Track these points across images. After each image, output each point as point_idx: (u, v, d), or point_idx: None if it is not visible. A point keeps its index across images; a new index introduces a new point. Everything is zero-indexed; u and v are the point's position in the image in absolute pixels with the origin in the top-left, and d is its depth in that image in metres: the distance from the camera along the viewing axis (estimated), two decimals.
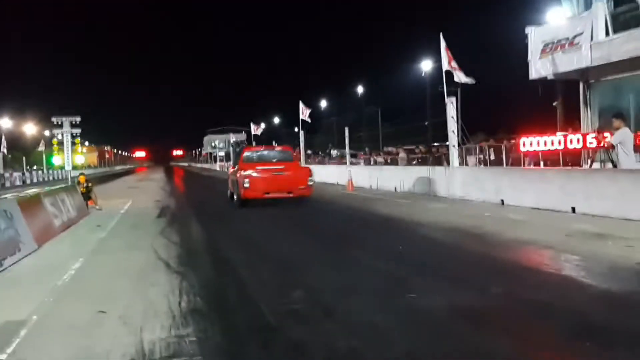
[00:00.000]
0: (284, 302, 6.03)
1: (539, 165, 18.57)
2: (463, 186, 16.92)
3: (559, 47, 16.85)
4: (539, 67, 17.71)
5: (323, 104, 70.72)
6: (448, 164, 22.20)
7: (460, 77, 17.60)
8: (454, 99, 17.49)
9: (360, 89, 65.67)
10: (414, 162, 28.28)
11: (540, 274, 7.06)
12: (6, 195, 24.75)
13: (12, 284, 7.45)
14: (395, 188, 21.47)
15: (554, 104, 26.47)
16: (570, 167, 15.64)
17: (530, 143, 17.08)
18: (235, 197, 17.79)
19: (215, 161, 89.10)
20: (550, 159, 18.28)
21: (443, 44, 18.10)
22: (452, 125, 17.46)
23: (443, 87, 18.46)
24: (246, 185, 16.57)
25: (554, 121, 27.59)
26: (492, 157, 21.98)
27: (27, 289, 7.08)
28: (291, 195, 16.95)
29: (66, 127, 17.90)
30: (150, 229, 12.79)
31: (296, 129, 64.46)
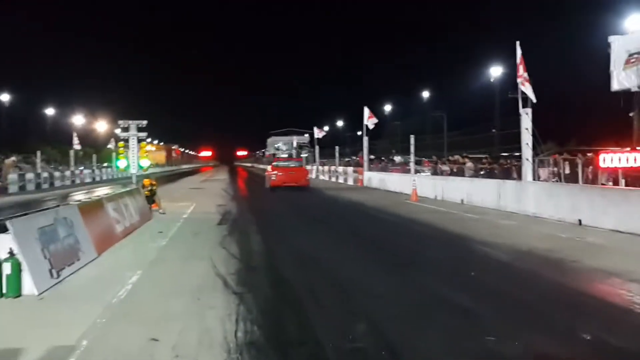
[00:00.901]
0: (345, 336, 5.60)
1: (617, 182, 17.48)
2: (536, 202, 16.05)
3: None
4: (622, 79, 16.62)
5: (387, 108, 70.04)
6: (518, 176, 21.25)
7: (527, 91, 16.70)
8: (529, 110, 16.62)
9: (425, 94, 64.59)
10: (481, 173, 27.30)
11: (631, 315, 6.35)
12: (74, 195, 25.22)
13: (67, 299, 7.26)
14: (462, 200, 20.68)
15: (631, 114, 25.08)
16: None
17: (610, 159, 16.07)
18: (267, 185, 31.25)
19: None
20: (631, 176, 17.17)
21: (519, 52, 17.24)
22: (527, 138, 16.60)
23: (516, 96, 17.59)
24: (273, 178, 30.64)
25: (629, 133, 26.16)
26: (567, 170, 20.91)
27: (80, 306, 6.85)
28: (297, 184, 29.96)
29: (132, 131, 17.99)
30: (211, 237, 12.58)
31: (359, 133, 64.18)
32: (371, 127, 35.70)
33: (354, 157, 52.54)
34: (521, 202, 16.70)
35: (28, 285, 7.35)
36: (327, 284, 8.07)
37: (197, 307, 6.79)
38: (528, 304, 6.86)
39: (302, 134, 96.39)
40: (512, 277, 8.58)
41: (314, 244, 11.92)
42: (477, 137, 36.56)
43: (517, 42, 17.29)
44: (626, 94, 18.40)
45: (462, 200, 20.70)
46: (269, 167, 34.49)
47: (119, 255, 10.56)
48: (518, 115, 17.29)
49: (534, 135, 16.69)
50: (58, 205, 10.55)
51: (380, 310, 6.62)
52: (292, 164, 33.40)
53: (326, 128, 77.36)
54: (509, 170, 24.97)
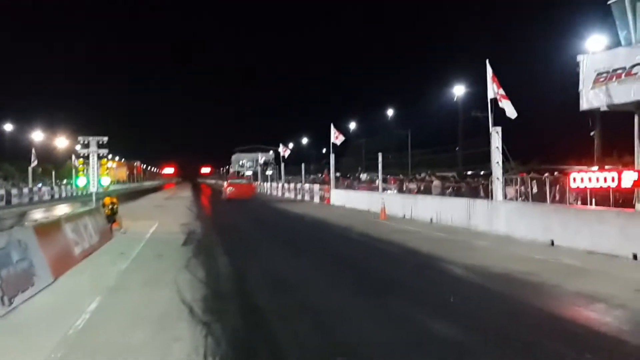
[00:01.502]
0: None
1: (586, 201, 17.47)
2: (507, 222, 15.85)
3: (615, 77, 15.73)
4: (590, 98, 16.56)
5: (352, 126, 69.96)
6: (485, 195, 21.15)
7: (506, 107, 16.61)
8: (499, 129, 16.48)
9: (390, 112, 64.70)
10: (448, 191, 27.24)
11: (625, 346, 6.02)
12: (31, 213, 24.24)
13: (19, 330, 6.65)
14: (431, 219, 20.42)
15: (592, 134, 25.35)
16: (633, 210, 14.50)
17: (581, 179, 16.02)
18: (224, 197, 41.38)
19: None
20: (599, 195, 17.17)
21: (490, 71, 17.14)
22: (497, 157, 16.44)
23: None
24: (228, 191, 40.61)
25: (590, 151, 26.42)
26: (535, 189, 20.91)
27: (34, 339, 6.27)
28: (246, 197, 39.59)
29: (93, 147, 17.26)
30: (175, 259, 12.02)
31: (324, 151, 64.12)
32: (338, 144, 35.56)
33: (320, 175, 52.23)
34: (492, 222, 16.49)
35: None
36: (301, 312, 7.60)
37: (161, 338, 6.27)
38: (515, 334, 6.49)
39: (267, 150, 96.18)
40: (493, 303, 8.21)
41: (284, 267, 11.47)
42: (441, 155, 36.62)
43: (487, 60, 17.24)
44: (593, 113, 18.49)
45: (431, 219, 20.45)
46: (225, 184, 46.09)
47: (77, 280, 9.92)
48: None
49: (504, 153, 16.56)
50: (12, 227, 9.86)
51: (360, 342, 6.20)
52: (243, 182, 47.97)
53: (290, 145, 76.85)
54: (477, 189, 24.97)
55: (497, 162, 16.52)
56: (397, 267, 11.70)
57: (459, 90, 47.63)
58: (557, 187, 19.82)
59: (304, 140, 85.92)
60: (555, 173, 22.21)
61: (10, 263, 8.05)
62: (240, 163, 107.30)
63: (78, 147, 19.57)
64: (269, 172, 72.54)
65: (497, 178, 16.67)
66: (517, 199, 20.31)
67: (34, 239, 9.38)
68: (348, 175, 49.53)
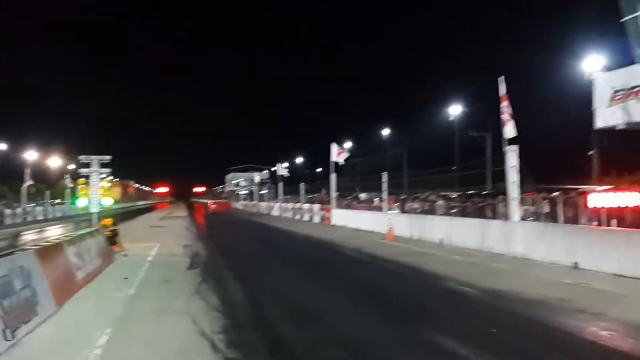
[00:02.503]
0: None
1: (600, 221, 16.93)
2: (525, 244, 15.27)
3: (633, 94, 15.28)
4: (607, 116, 16.03)
5: (346, 145, 69.22)
6: (493, 215, 20.56)
7: (509, 127, 16.29)
8: (515, 147, 16.00)
9: (385, 132, 64.09)
10: (453, 211, 26.60)
11: None
12: (25, 234, 23.50)
13: None
14: (441, 241, 19.80)
15: (589, 153, 24.99)
16: None
17: (597, 199, 15.51)
18: (209, 212, 59.45)
19: (238, 199, 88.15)
20: (613, 216, 16.65)
21: (503, 88, 16.68)
22: (513, 176, 15.92)
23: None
24: (212, 207, 63.90)
25: (584, 170, 26.05)
26: (546, 209, 20.34)
27: None
28: (225, 211, 61.54)
29: (94, 167, 16.60)
30: (184, 284, 11.40)
31: (318, 170, 64.03)
32: (342, 162, 35.08)
33: (317, 194, 51.57)
34: (509, 243, 15.91)
35: None
36: (329, 344, 6.96)
37: None
38: None
39: (260, 170, 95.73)
40: (539, 335, 7.47)
41: (299, 292, 10.89)
42: (438, 176, 36.07)
43: (502, 77, 16.77)
44: (607, 131, 18.06)
45: (440, 241, 19.84)
46: (209, 202, 68.51)
47: (82, 308, 9.24)
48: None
49: (520, 172, 16.06)
50: (13, 252, 9.18)
51: None
52: (222, 201, 73.48)
53: (286, 164, 76.21)
54: (484, 209, 24.36)
55: (513, 182, 16.00)
56: (419, 292, 11.07)
57: (455, 110, 47.16)
58: (568, 206, 19.31)
59: (298, 160, 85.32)
60: (572, 192, 21.67)
61: (12, 292, 7.40)
62: (234, 182, 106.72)
63: (72, 167, 18.95)
64: (263, 192, 72.01)
65: (513, 198, 16.12)
66: (525, 219, 19.76)
67: (37, 264, 8.73)
68: (346, 195, 48.89)
